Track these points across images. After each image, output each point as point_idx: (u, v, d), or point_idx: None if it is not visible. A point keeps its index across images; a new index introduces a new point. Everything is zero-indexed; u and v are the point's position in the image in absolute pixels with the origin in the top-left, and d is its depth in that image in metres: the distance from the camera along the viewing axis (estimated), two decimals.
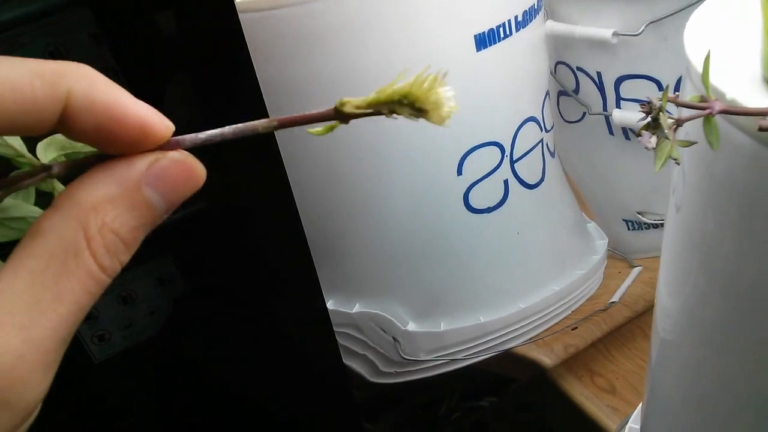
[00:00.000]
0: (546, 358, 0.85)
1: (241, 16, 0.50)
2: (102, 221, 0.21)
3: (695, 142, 0.35)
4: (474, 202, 0.80)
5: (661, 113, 0.33)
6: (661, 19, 0.78)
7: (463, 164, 0.78)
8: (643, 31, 0.80)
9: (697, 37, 0.43)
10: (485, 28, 0.74)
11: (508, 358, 0.87)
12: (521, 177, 0.83)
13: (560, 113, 0.98)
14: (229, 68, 0.52)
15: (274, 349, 0.65)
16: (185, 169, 0.22)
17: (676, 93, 0.33)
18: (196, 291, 0.66)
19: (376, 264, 0.84)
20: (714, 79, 0.37)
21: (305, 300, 0.64)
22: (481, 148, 0.78)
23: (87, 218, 0.20)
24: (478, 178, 0.79)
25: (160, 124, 0.22)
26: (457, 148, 0.77)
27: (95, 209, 0.21)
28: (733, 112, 0.33)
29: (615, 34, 0.82)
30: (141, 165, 0.21)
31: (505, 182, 0.82)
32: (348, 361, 0.90)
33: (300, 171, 0.76)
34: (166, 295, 0.63)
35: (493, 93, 0.78)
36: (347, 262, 0.87)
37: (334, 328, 0.89)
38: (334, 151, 0.78)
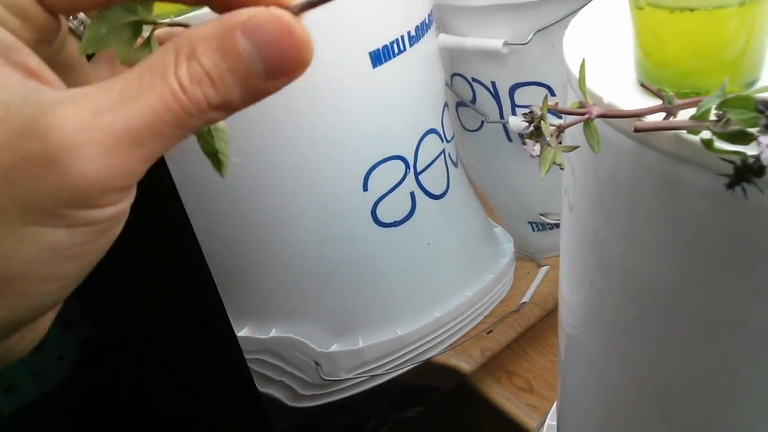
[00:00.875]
0: (464, 363, 0.87)
1: None
2: (192, 51, 0.23)
3: (577, 147, 0.37)
4: (382, 216, 0.81)
5: (542, 121, 0.34)
6: (547, 27, 0.82)
7: (368, 180, 0.78)
8: (531, 39, 0.83)
9: (576, 44, 0.45)
10: (379, 45, 0.75)
11: (429, 368, 0.88)
12: (426, 188, 0.84)
13: (461, 123, 1.01)
14: None
15: (187, 385, 0.63)
16: (282, 26, 0.23)
17: (557, 101, 0.35)
18: (103, 331, 0.64)
19: (286, 287, 0.83)
20: (592, 85, 0.39)
21: (214, 331, 0.62)
22: (385, 163, 0.79)
23: (180, 46, 0.23)
24: (385, 192, 0.79)
25: None
26: (362, 164, 0.78)
27: (190, 42, 0.23)
28: (610, 115, 0.35)
29: (505, 43, 0.85)
30: (242, 16, 0.23)
31: (412, 194, 0.83)
32: (266, 389, 0.88)
33: (199, 198, 0.75)
34: (74, 338, 0.61)
35: (392, 108, 0.79)
36: (257, 287, 0.85)
37: (251, 356, 0.88)
38: (233, 176, 0.77)
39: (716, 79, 0.35)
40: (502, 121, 0.93)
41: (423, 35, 0.80)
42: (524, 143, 0.35)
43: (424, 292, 0.86)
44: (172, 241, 0.57)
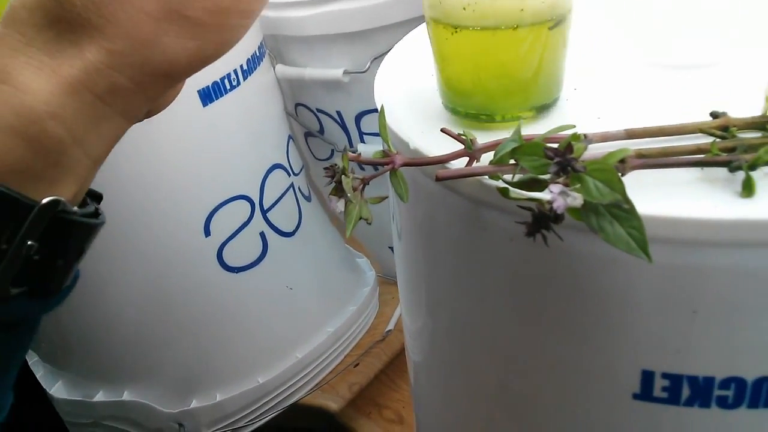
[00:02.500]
0: (332, 402, 0.84)
1: None
2: None
3: (386, 197, 0.35)
4: (230, 261, 0.76)
5: (344, 176, 0.32)
6: (382, 54, 0.81)
7: (210, 224, 0.74)
8: (369, 67, 0.82)
9: (386, 86, 0.43)
10: (209, 82, 0.71)
11: (296, 410, 0.85)
12: (277, 226, 0.81)
13: (312, 153, 0.98)
14: None
15: None
16: None
17: (359, 153, 0.33)
18: None
19: (133, 346, 0.77)
20: (399, 129, 0.37)
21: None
22: (227, 204, 0.75)
23: None
24: (230, 235, 0.75)
25: None
26: (201, 208, 0.73)
27: None
28: (414, 163, 0.33)
29: (345, 72, 0.83)
30: None
31: (262, 234, 0.79)
32: None
33: None
34: None
35: (229, 145, 0.75)
36: (105, 349, 0.78)
37: (109, 422, 0.81)
38: None
39: (501, 101, 0.35)
40: (351, 150, 0.91)
41: (256, 68, 0.77)
42: (328, 199, 0.33)
43: (284, 335, 0.83)
44: None
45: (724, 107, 0.32)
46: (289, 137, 0.86)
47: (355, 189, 0.32)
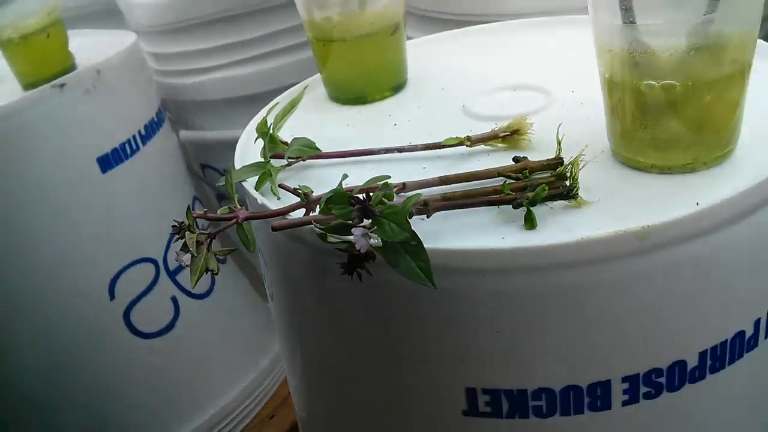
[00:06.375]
0: None
1: None
2: None
3: (234, 249, 0.39)
4: (140, 325, 0.78)
5: (188, 232, 0.35)
6: None
7: (114, 287, 0.75)
8: None
9: (247, 146, 0.47)
10: (108, 149, 0.74)
11: None
12: (187, 289, 0.83)
13: None
14: None
15: None
16: None
17: (205, 210, 0.36)
18: None
19: (37, 410, 0.77)
20: (248, 185, 0.41)
21: None
22: (131, 267, 0.77)
23: None
24: (134, 297, 0.77)
25: None
26: (105, 272, 0.75)
27: None
28: (256, 216, 0.37)
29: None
30: None
31: (173, 299, 0.81)
32: None
33: None
34: None
35: (130, 210, 0.77)
36: (10, 411, 0.78)
37: None
38: None
39: (369, 87, 0.51)
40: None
41: (155, 132, 0.80)
42: (177, 255, 0.36)
43: (196, 394, 0.84)
44: None
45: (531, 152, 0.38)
46: (195, 198, 0.89)
47: (201, 243, 0.35)
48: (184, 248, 0.35)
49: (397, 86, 0.53)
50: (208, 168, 0.96)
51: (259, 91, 0.86)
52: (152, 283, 0.79)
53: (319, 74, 0.54)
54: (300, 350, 0.45)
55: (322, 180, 0.41)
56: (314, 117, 0.51)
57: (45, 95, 0.70)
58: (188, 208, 0.36)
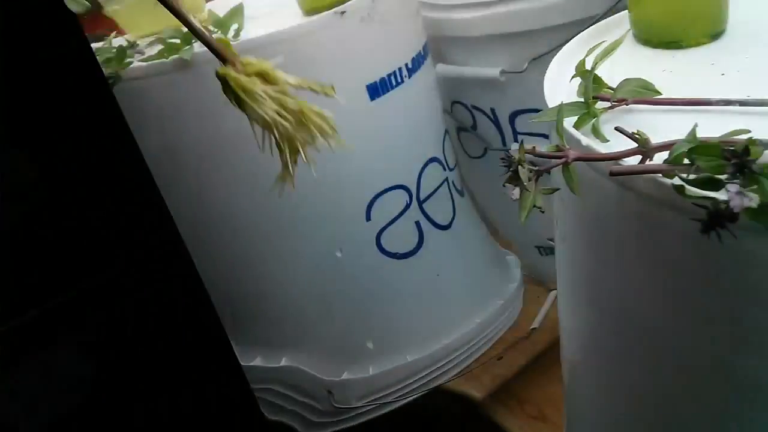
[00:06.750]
0: (474, 390, 0.87)
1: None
2: None
3: (557, 189, 0.38)
4: (389, 246, 0.81)
5: (520, 166, 0.35)
6: (542, 55, 0.82)
7: (371, 209, 0.79)
8: (527, 67, 0.84)
9: (556, 84, 0.45)
10: (377, 78, 0.77)
11: (438, 394, 0.88)
12: (432, 218, 0.85)
13: (464, 150, 1.02)
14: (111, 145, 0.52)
15: (194, 417, 0.64)
16: None
17: (534, 146, 0.36)
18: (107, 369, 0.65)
19: (294, 316, 0.84)
20: (571, 126, 0.40)
21: (219, 363, 0.63)
22: (387, 193, 0.80)
23: None
24: (388, 221, 0.80)
25: None
26: (363, 194, 0.79)
27: None
28: (587, 158, 0.35)
29: (502, 72, 0.86)
30: None
31: (417, 224, 0.84)
32: (279, 417, 0.89)
33: (208, 235, 0.76)
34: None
35: (392, 138, 0.80)
36: (266, 317, 0.86)
37: (263, 385, 0.89)
38: (239, 211, 0.78)
39: (686, 29, 0.47)
40: (504, 149, 0.93)
41: (420, 66, 0.82)
42: (504, 186, 0.36)
43: (433, 320, 0.87)
44: (173, 277, 0.58)
45: None
46: (446, 133, 0.90)
47: (530, 179, 0.35)
48: (512, 181, 0.35)
49: (716, 33, 0.48)
50: (456, 103, 0.96)
51: (519, 30, 0.84)
52: (404, 209, 0.81)
53: (604, 16, 0.51)
54: (603, 301, 0.44)
55: (649, 127, 0.38)
56: (622, 60, 0.48)
57: (327, 21, 0.73)
58: (521, 142, 0.35)
